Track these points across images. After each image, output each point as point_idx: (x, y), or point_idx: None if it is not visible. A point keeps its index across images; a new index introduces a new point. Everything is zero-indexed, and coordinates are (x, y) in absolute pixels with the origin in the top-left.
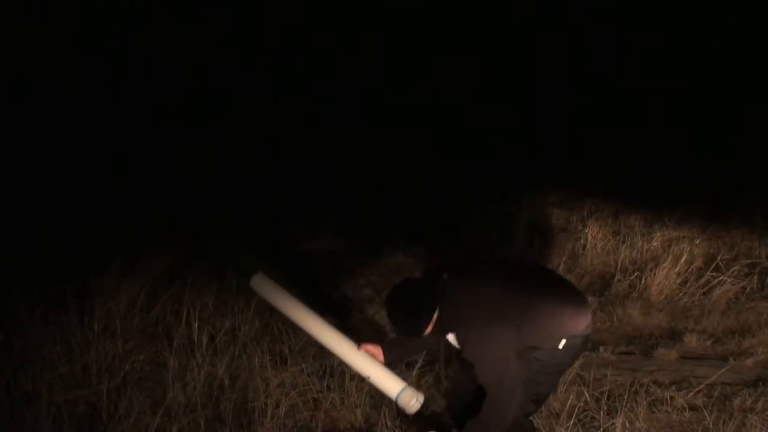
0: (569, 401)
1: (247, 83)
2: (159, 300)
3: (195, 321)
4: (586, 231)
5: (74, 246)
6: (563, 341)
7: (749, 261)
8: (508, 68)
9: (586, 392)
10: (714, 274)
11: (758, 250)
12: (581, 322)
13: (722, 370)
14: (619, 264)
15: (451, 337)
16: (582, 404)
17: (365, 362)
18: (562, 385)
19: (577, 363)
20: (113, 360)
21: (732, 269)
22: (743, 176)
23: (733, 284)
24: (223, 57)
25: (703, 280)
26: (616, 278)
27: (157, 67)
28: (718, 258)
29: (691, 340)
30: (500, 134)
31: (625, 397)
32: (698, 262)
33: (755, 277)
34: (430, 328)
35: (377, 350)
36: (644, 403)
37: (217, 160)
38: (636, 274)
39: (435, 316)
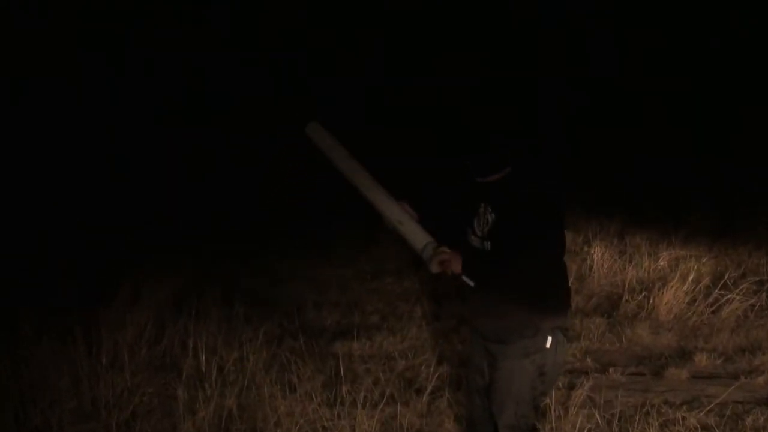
0: (579, 423)
1: (247, 83)
2: (166, 331)
3: (203, 352)
4: (592, 252)
5: (80, 275)
6: (549, 338)
7: (757, 278)
8: (509, 68)
9: (596, 414)
10: (722, 292)
11: (766, 267)
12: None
13: (733, 389)
14: (627, 284)
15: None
16: (593, 426)
17: (402, 214)
18: (572, 408)
19: (588, 385)
20: (122, 393)
21: (740, 287)
22: (749, 195)
23: (742, 302)
24: (223, 57)
25: (711, 299)
26: (623, 299)
27: (157, 67)
28: (726, 276)
29: (702, 359)
30: (500, 134)
31: (636, 418)
32: (706, 281)
33: (763, 294)
34: (496, 177)
35: (413, 214)
36: (656, 423)
37: (218, 174)
38: (644, 293)
39: (507, 170)
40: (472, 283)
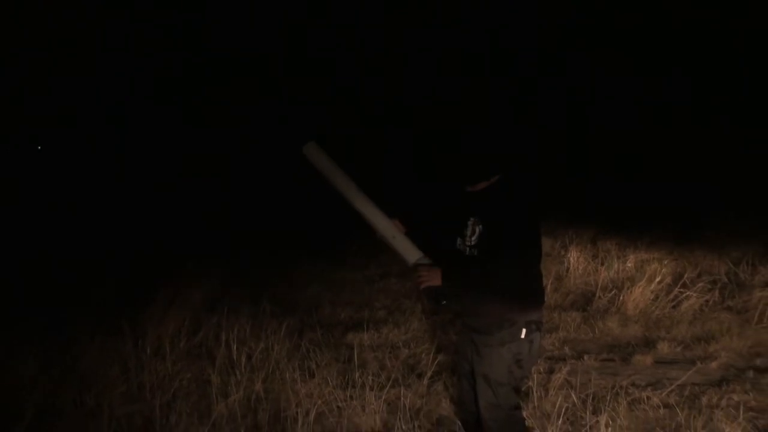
0: (558, 403)
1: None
2: (202, 326)
3: (234, 343)
4: (569, 255)
5: (126, 280)
6: (524, 330)
7: (711, 278)
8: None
9: (573, 395)
10: (681, 290)
11: (718, 268)
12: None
13: (691, 372)
14: (599, 283)
15: (470, 226)
16: (570, 405)
17: (394, 229)
18: (552, 389)
19: (565, 370)
20: (164, 378)
21: (697, 285)
22: (705, 204)
23: (698, 298)
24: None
25: (672, 295)
26: (596, 296)
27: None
28: (685, 276)
29: (664, 347)
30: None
31: (608, 398)
32: (667, 280)
33: (716, 291)
34: (483, 186)
35: (403, 228)
36: (624, 402)
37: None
38: (614, 291)
39: (495, 179)
40: (444, 302)
